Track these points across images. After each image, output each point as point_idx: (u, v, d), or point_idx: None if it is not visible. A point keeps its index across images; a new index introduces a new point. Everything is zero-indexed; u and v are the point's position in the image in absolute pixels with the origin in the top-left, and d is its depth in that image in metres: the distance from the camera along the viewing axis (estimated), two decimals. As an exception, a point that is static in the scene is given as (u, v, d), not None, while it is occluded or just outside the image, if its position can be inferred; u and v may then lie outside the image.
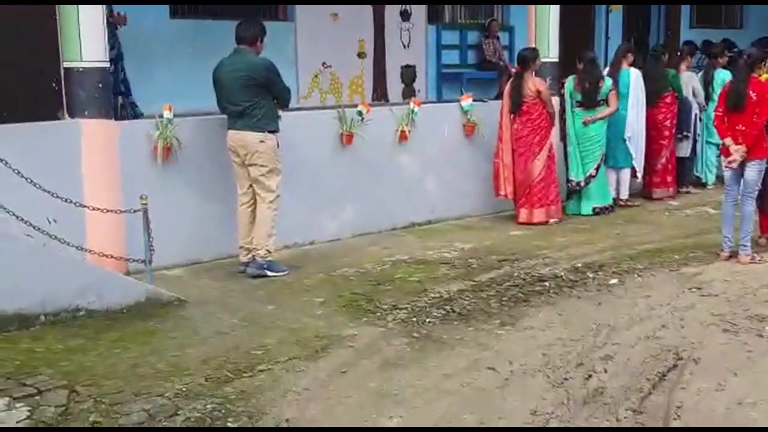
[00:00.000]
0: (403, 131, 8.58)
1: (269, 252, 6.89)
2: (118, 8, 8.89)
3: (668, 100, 10.05)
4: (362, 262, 7.37)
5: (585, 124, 9.13)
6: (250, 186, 6.88)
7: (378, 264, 7.30)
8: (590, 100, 9.11)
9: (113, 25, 8.59)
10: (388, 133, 8.54)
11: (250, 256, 6.92)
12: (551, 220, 8.87)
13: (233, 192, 7.02)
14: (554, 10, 9.72)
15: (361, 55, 11.77)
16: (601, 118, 9.15)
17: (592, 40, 14.43)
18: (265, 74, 6.70)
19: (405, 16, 12.20)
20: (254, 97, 6.67)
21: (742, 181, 7.09)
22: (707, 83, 10.58)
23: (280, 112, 6.99)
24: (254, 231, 6.88)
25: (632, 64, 9.74)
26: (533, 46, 9.39)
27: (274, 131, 6.81)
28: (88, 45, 6.61)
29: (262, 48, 6.92)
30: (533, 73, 8.83)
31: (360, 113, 8.25)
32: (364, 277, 6.90)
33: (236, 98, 6.70)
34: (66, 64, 6.66)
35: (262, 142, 6.71)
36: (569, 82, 9.30)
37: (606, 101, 9.17)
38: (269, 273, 6.87)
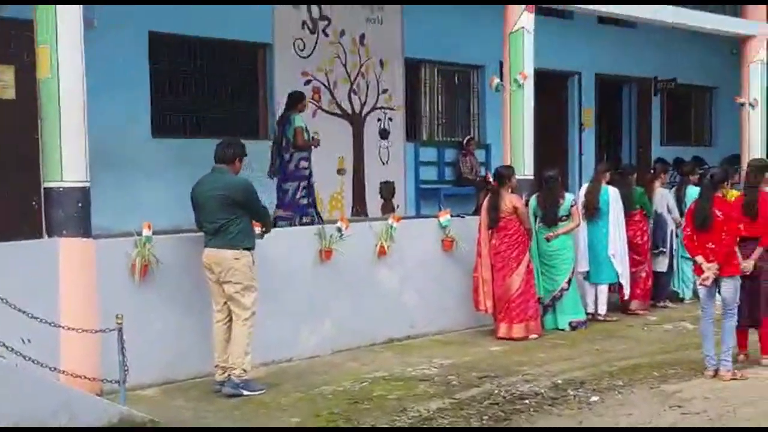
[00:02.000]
0: (382, 246, 8.63)
1: (245, 371, 6.80)
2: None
3: (637, 217, 10.20)
4: (341, 379, 7.28)
5: (547, 240, 9.25)
6: (226, 303, 6.84)
7: (357, 381, 7.21)
8: (550, 216, 9.24)
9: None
10: (367, 249, 8.59)
11: (225, 375, 6.82)
12: (531, 336, 8.85)
13: (210, 309, 6.98)
14: (528, 128, 9.97)
15: (340, 171, 11.98)
16: (563, 233, 9.26)
17: (566, 157, 14.77)
18: (242, 194, 6.77)
19: (384, 134, 12.50)
20: (230, 215, 6.71)
21: (720, 299, 7.13)
22: (679, 200, 10.78)
23: (266, 235, 7.06)
24: (230, 349, 6.81)
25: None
26: (509, 163, 9.58)
27: (250, 248, 6.83)
28: (69, 165, 6.66)
29: (241, 167, 7.02)
30: (509, 189, 8.98)
31: (339, 229, 8.31)
32: (342, 396, 6.81)
33: (213, 216, 6.75)
34: (47, 185, 6.71)
35: (236, 259, 6.72)
36: (533, 200, 9.45)
37: (569, 217, 9.30)
38: (245, 392, 6.76)
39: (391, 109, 12.65)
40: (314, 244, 8.17)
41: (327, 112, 11.94)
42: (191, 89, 11.00)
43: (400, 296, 8.86)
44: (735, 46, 14.60)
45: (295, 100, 10.43)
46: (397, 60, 12.72)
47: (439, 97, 13.78)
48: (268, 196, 9.36)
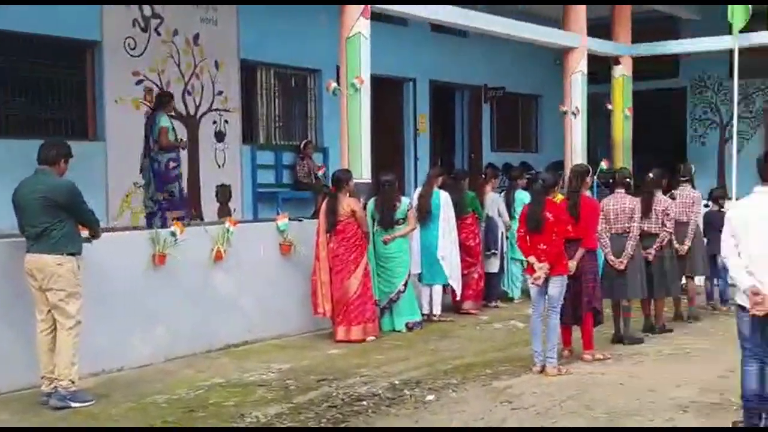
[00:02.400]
0: (218, 251, 8.47)
1: (72, 382, 6.49)
2: None
3: (469, 221, 10.52)
4: (175, 387, 7.08)
5: (385, 242, 9.39)
6: (50, 311, 6.51)
7: (192, 389, 7.04)
8: (387, 220, 9.39)
9: None
10: (202, 253, 8.40)
11: (52, 386, 6.49)
12: (369, 338, 8.94)
13: (34, 318, 6.61)
14: (366, 132, 10.09)
15: (172, 174, 11.63)
16: (400, 236, 9.42)
17: (401, 161, 15.04)
18: (65, 196, 6.46)
19: (220, 136, 12.29)
20: (53, 219, 6.39)
21: (546, 296, 7.46)
22: (509, 204, 11.21)
23: (93, 241, 6.77)
24: (55, 359, 6.48)
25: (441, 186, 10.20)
26: (347, 167, 9.65)
27: (75, 253, 6.52)
28: None
29: (66, 168, 6.68)
30: (347, 193, 9.04)
31: (173, 233, 8.09)
32: (177, 404, 6.62)
33: (34, 220, 6.40)
34: None
35: (59, 265, 6.40)
36: (371, 204, 9.57)
37: (406, 220, 9.47)
38: (73, 404, 6.46)
39: (227, 111, 12.46)
40: (147, 248, 7.92)
41: (159, 113, 11.59)
42: (18, 88, 10.43)
43: (237, 301, 8.73)
44: (558, 57, 15.39)
45: (163, 100, 10.21)
46: (232, 61, 12.55)
47: (276, 100, 13.71)
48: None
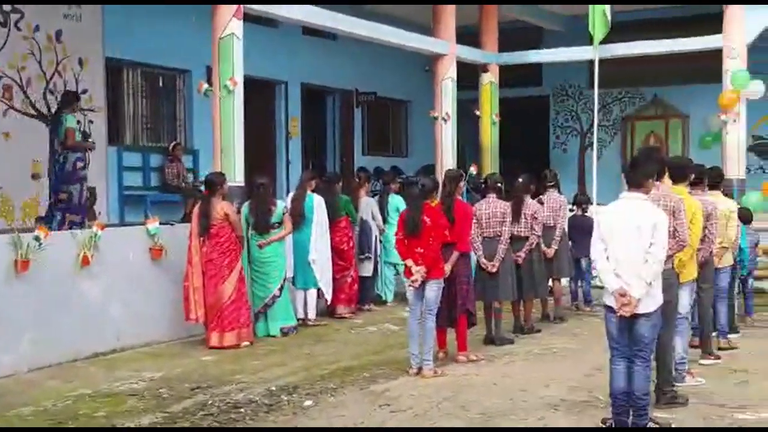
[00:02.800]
0: (85, 256, 8.14)
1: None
2: None
3: (343, 224, 10.54)
4: (41, 399, 6.76)
5: (260, 247, 9.30)
6: None
7: (59, 400, 6.74)
8: (262, 224, 9.30)
9: None
10: (68, 258, 8.06)
11: None
12: (243, 344, 8.80)
13: None
14: (239, 135, 9.97)
15: (35, 176, 11.12)
16: (275, 240, 9.35)
17: (273, 165, 14.92)
18: None
19: (84, 137, 11.79)
20: None
21: (423, 299, 7.55)
22: (382, 207, 11.30)
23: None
24: None
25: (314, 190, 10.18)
26: (220, 170, 9.49)
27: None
28: None
29: None
30: (221, 197, 8.88)
31: (37, 238, 7.72)
32: (43, 416, 6.33)
33: None
34: None
35: None
36: (245, 208, 9.45)
37: (281, 224, 9.41)
38: (-71, 420, 6.07)
39: (92, 110, 11.99)
40: (8, 253, 7.53)
41: (20, 111, 11.06)
42: None
43: (105, 308, 8.42)
44: (428, 63, 15.65)
45: (69, 100, 10.04)
46: (97, 59, 12.08)
47: (144, 100, 13.33)
48: None
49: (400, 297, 11.36)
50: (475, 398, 6.78)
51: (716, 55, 13.44)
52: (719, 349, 8.21)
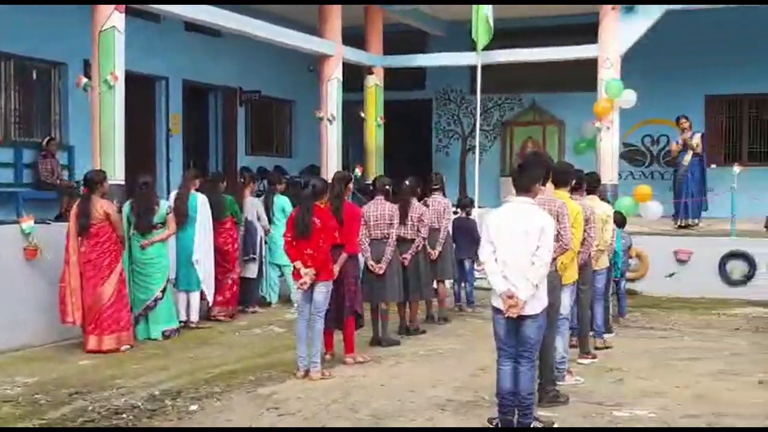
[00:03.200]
0: (-48, 256, 7.72)
1: None
2: None
3: (227, 225, 10.37)
4: None
5: (143, 247, 9.05)
6: None
7: (-76, 410, 6.37)
8: (145, 223, 9.06)
9: None
10: (-66, 259, 7.63)
11: None
12: (123, 347, 8.53)
13: None
14: (119, 131, 9.68)
15: None
16: (159, 241, 9.12)
17: (153, 162, 14.54)
18: None
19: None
20: None
21: (312, 301, 7.50)
22: (267, 208, 11.18)
23: None
24: None
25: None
26: (99, 167, 9.17)
27: None
28: None
29: None
30: (101, 195, 8.58)
31: None
32: None
33: None
34: None
35: None
36: (127, 207, 9.18)
37: (164, 224, 9.18)
38: None
39: (-41, 103, 11.39)
40: None
41: None
42: None
43: (-25, 311, 8.00)
44: (312, 63, 15.60)
45: None
46: (-36, 50, 11.50)
47: (15, 93, 12.70)
48: None
49: (285, 299, 11.29)
50: (363, 400, 6.79)
51: (592, 64, 13.93)
52: (596, 348, 8.50)
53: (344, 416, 6.38)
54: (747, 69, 15.59)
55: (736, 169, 12.79)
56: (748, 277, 12.10)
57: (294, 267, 7.51)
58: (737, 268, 12.22)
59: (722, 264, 12.26)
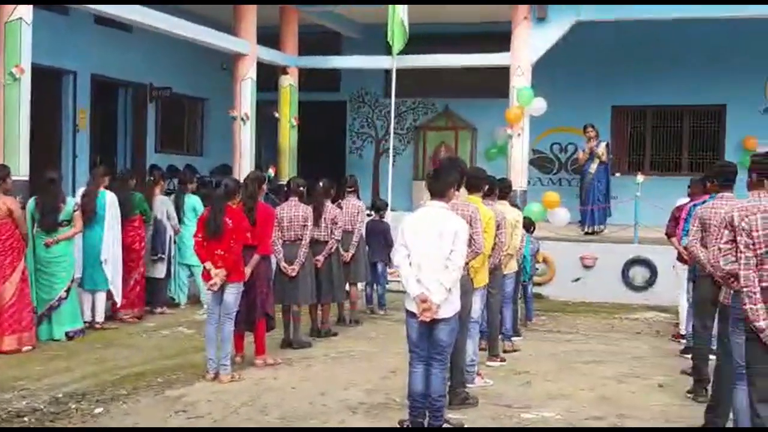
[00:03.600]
0: None
1: None
2: None
3: (136, 223, 10.14)
4: None
5: (47, 245, 8.78)
6: None
7: None
8: (50, 221, 8.79)
9: None
10: None
11: None
12: (24, 348, 8.25)
13: None
14: (25, 126, 9.39)
15: None
16: (64, 239, 8.87)
17: (59, 159, 14.12)
18: None
19: None
20: None
21: (222, 302, 7.40)
22: (178, 207, 10.99)
23: None
24: None
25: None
26: (2, 163, 8.86)
27: None
28: None
29: None
30: (4, 191, 8.29)
31: None
32: None
33: None
34: None
35: None
36: (31, 203, 8.89)
37: (70, 222, 8.93)
38: None
39: None
40: None
41: None
42: None
43: None
44: (226, 62, 15.42)
45: None
46: None
47: None
48: None
49: (194, 300, 11.12)
50: (274, 402, 6.75)
51: (504, 71, 14.18)
52: (504, 351, 8.64)
53: (254, 419, 6.33)
54: (652, 81, 16.11)
55: (640, 177, 13.22)
56: (650, 283, 12.52)
57: (204, 268, 7.40)
58: (639, 273, 12.63)
59: (625, 270, 12.66)
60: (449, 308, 5.80)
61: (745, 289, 4.70)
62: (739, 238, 4.78)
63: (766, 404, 4.72)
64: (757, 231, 4.69)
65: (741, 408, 5.26)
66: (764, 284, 4.67)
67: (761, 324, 4.64)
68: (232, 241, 7.25)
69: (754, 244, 4.70)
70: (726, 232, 4.95)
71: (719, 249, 5.03)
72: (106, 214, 9.48)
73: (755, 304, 4.66)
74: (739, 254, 4.76)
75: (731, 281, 5.10)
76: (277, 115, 15.32)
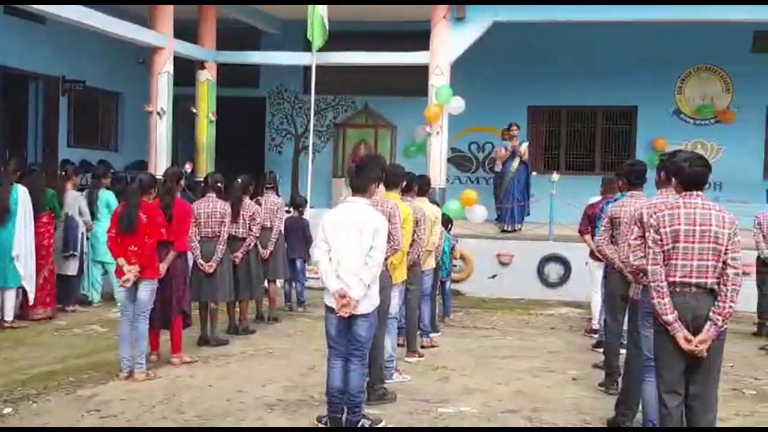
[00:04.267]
0: None
1: None
2: None
3: (45, 219, 9.83)
4: None
5: None
6: None
7: None
8: None
9: None
10: None
11: None
12: (-73, 348, 7.96)
13: None
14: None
15: None
16: None
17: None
18: None
19: None
20: None
21: (136, 300, 7.26)
22: (91, 203, 10.73)
23: None
24: None
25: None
26: None
27: None
28: None
29: None
30: None
31: None
32: None
33: None
34: None
35: None
36: None
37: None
38: None
39: None
40: None
41: None
42: None
43: None
44: (142, 55, 15.12)
45: None
46: None
47: None
48: None
49: (108, 297, 10.88)
50: (190, 400, 6.66)
51: (424, 70, 14.28)
52: (422, 347, 8.72)
53: (170, 418, 6.23)
54: (567, 82, 16.46)
55: (555, 176, 13.48)
56: (564, 280, 12.79)
57: (117, 264, 7.25)
58: (554, 270, 12.89)
59: (541, 267, 12.90)
60: (368, 304, 5.82)
61: (653, 284, 4.85)
62: (647, 234, 4.92)
63: (673, 395, 4.88)
64: (665, 227, 4.84)
65: (649, 400, 5.43)
66: (671, 279, 4.82)
67: (668, 318, 4.79)
68: (146, 237, 7.12)
69: (661, 240, 4.85)
70: (635, 228, 5.10)
71: (629, 245, 5.19)
72: (18, 209, 9.21)
73: (663, 299, 4.81)
74: (647, 250, 4.91)
75: (640, 276, 5.27)
76: (194, 110, 15.08)
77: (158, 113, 13.67)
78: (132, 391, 6.88)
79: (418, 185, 8.48)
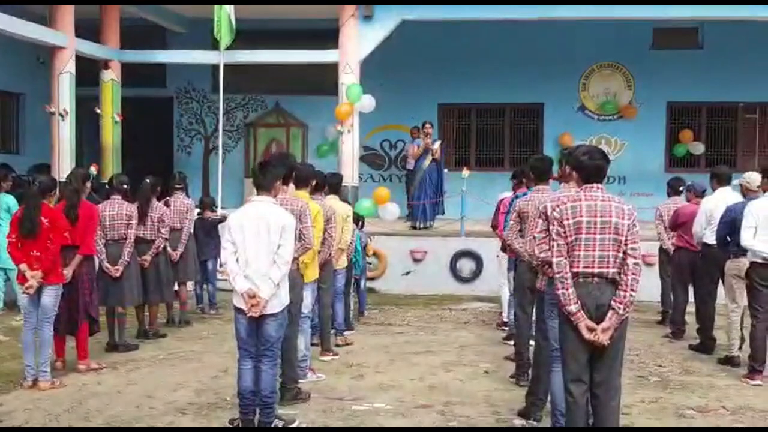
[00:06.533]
0: None
1: None
2: None
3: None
4: None
5: None
6: None
7: None
8: None
9: None
10: None
11: None
12: None
13: None
14: None
15: None
16: None
17: None
18: None
19: None
20: None
21: (39, 305, 7.04)
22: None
23: None
24: None
25: None
26: None
27: None
28: None
29: None
30: None
31: None
32: None
33: None
34: None
35: None
36: None
37: None
38: None
39: None
40: None
41: None
42: None
43: None
44: (42, 55, 14.68)
45: None
46: None
47: None
48: None
49: (11, 305, 10.51)
50: (98, 407, 6.52)
51: (333, 69, 14.25)
52: (337, 345, 8.71)
53: (76, 425, 6.07)
54: (476, 80, 16.66)
55: (465, 173, 13.64)
56: (476, 274, 12.96)
57: (19, 270, 7.01)
58: (466, 265, 13.05)
59: (453, 262, 13.04)
60: (277, 303, 5.79)
61: (557, 275, 4.96)
62: (551, 227, 5.02)
63: (578, 384, 4.99)
64: (568, 219, 4.95)
65: (557, 389, 5.54)
66: (575, 270, 4.93)
67: (572, 308, 4.90)
68: (49, 242, 6.91)
69: (565, 232, 4.95)
70: (540, 221, 5.20)
71: (534, 238, 5.29)
72: None
73: (567, 289, 4.91)
74: (551, 242, 5.01)
75: (546, 268, 5.37)
76: (98, 111, 14.71)
77: (60, 114, 13.28)
78: (37, 400, 6.69)
79: (328, 184, 8.46)
